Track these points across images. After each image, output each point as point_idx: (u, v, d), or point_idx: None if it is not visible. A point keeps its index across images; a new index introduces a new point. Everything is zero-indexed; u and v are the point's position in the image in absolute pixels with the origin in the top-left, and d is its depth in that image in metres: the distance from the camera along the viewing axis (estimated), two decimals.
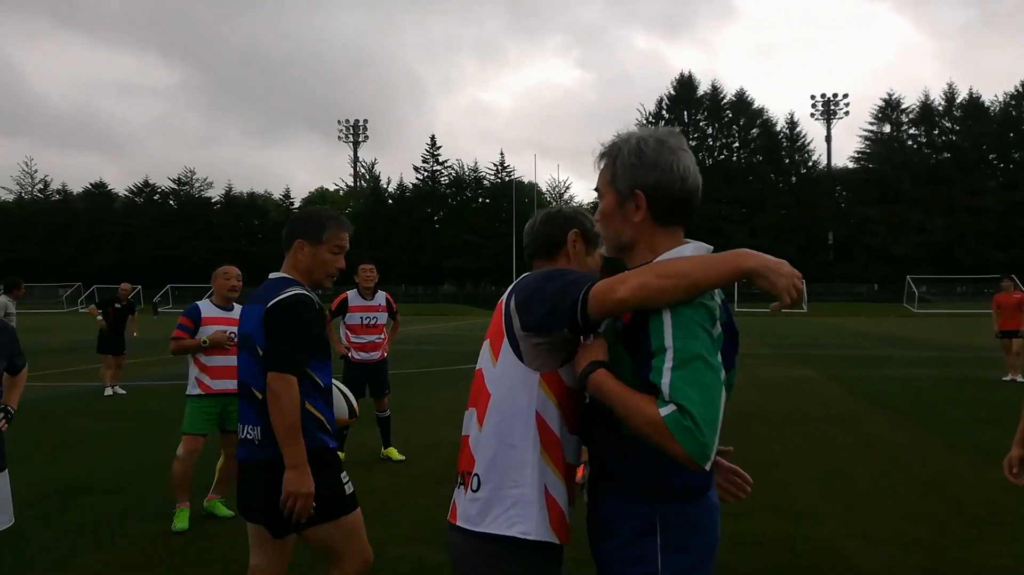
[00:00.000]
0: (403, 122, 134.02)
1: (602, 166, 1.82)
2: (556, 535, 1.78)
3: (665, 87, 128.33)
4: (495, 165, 74.27)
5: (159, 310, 51.40)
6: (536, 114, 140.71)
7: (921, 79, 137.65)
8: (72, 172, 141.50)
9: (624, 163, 1.74)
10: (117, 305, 12.20)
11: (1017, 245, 57.62)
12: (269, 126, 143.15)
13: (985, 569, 4.20)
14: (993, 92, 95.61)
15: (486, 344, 1.90)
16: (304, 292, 2.76)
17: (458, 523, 1.84)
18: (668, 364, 1.53)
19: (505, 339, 1.82)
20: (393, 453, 6.95)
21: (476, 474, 1.81)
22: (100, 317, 11.99)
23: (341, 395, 3.02)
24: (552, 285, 1.72)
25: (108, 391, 11.47)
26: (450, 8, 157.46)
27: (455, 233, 69.10)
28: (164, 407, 9.88)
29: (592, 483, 1.85)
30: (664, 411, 1.51)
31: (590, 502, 1.85)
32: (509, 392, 1.80)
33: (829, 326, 34.27)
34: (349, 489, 2.77)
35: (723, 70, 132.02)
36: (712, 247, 1.76)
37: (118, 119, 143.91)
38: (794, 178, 68.53)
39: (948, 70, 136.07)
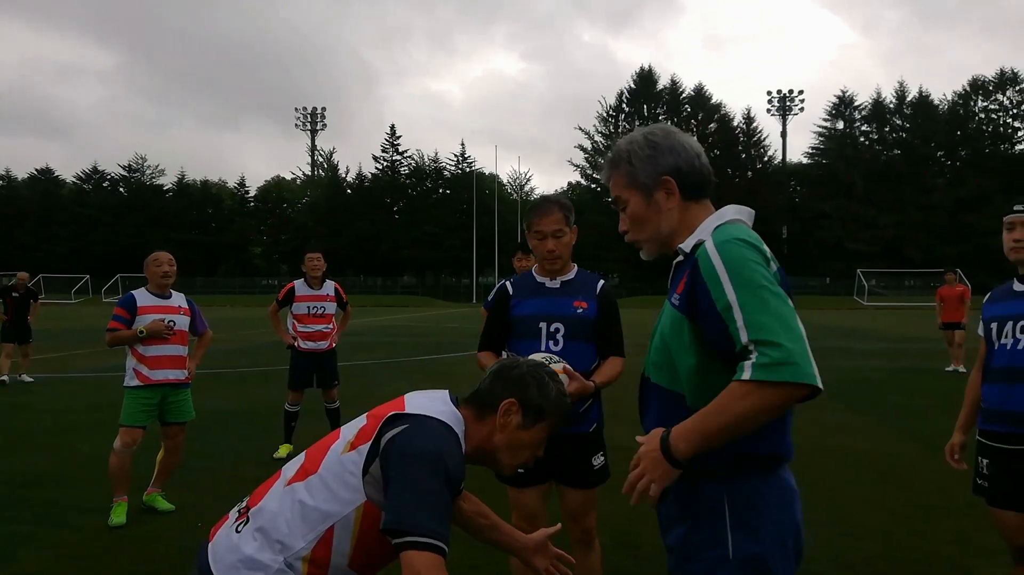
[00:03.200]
0: (362, 111, 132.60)
1: (614, 174, 1.83)
2: None
3: (614, 80, 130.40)
4: (455, 156, 74.03)
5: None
6: (493, 105, 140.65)
7: (873, 77, 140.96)
8: (12, 157, 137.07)
9: (640, 158, 1.78)
10: (15, 294, 11.95)
11: (964, 240, 59.42)
12: (223, 113, 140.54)
13: (934, 555, 4.25)
14: (942, 91, 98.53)
15: (360, 423, 1.86)
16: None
17: (209, 551, 1.82)
18: (736, 309, 1.52)
19: (367, 447, 1.77)
20: None
21: (249, 519, 1.81)
22: (1, 310, 11.74)
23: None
24: (427, 498, 1.68)
25: (4, 378, 11.26)
26: None
27: (415, 224, 68.64)
28: (109, 399, 9.56)
29: None
30: (745, 374, 1.47)
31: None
32: (330, 488, 1.76)
33: None
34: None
35: (680, 66, 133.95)
36: (752, 211, 1.81)
37: (61, 102, 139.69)
38: (750, 173, 69.58)
39: (899, 68, 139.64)
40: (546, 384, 1.94)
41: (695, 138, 1.84)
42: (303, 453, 1.91)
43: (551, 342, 2.98)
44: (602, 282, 3.15)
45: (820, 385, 1.46)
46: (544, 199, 3.13)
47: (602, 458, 3.07)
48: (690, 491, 1.66)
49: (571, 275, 3.10)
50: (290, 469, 1.86)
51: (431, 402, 1.89)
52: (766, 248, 1.65)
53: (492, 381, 1.94)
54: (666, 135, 1.80)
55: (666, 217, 1.78)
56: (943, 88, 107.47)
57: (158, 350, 4.91)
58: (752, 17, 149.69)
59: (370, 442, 1.77)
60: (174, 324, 4.99)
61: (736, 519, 1.60)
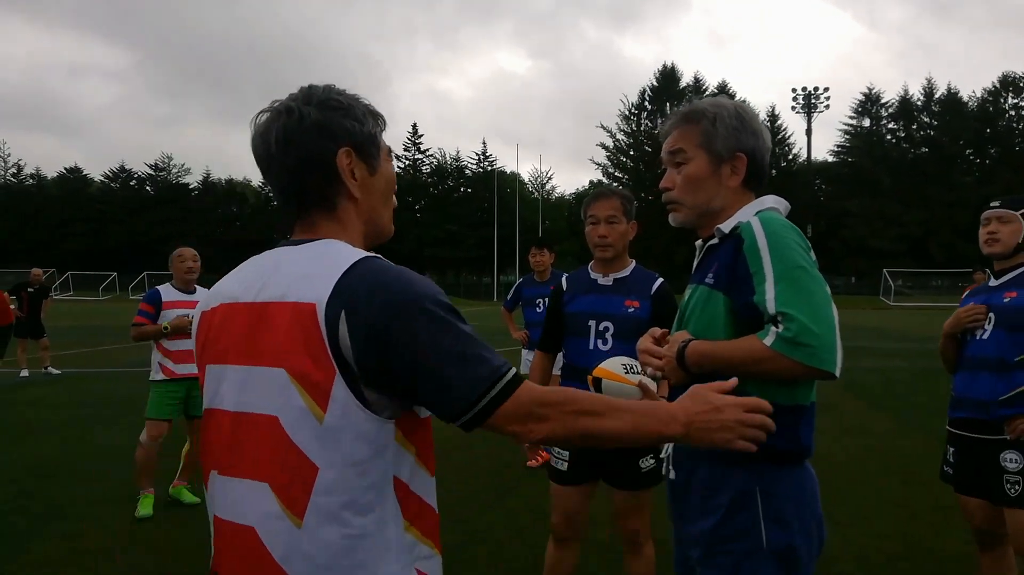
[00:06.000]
0: (385, 109, 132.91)
1: (688, 128, 1.77)
2: None
3: (624, 77, 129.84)
4: (477, 154, 74.13)
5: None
6: (503, 103, 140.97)
7: (900, 74, 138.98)
8: (34, 155, 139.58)
9: (726, 125, 1.74)
10: (30, 289, 12.31)
11: None
12: (248, 112, 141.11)
13: (953, 555, 4.21)
14: (971, 88, 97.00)
15: (279, 378, 1.16)
16: None
17: None
18: (769, 281, 1.55)
19: (338, 376, 1.13)
20: None
21: None
22: (14, 306, 12.05)
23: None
24: (444, 338, 1.14)
25: (24, 373, 11.51)
26: None
27: (437, 222, 68.82)
28: (133, 393, 9.72)
29: (682, 457, 1.78)
30: (768, 339, 1.51)
31: (679, 478, 1.77)
32: (352, 459, 1.14)
33: None
34: (559, 465, 3.01)
35: (691, 62, 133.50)
36: (789, 204, 1.80)
37: (79, 101, 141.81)
38: (774, 171, 68.84)
39: (927, 65, 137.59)
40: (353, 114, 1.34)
41: None
42: (244, 481, 1.20)
43: (600, 341, 2.89)
44: (660, 281, 2.98)
45: (837, 373, 1.50)
46: (604, 187, 3.09)
47: (652, 460, 2.94)
48: (719, 483, 1.66)
49: (626, 272, 3.00)
50: (254, 513, 1.18)
51: (319, 260, 1.21)
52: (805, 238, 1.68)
53: (295, 146, 1.26)
54: (754, 116, 1.79)
55: (722, 193, 1.75)
56: (972, 85, 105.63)
57: (183, 344, 4.99)
58: (761, 14, 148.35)
59: (336, 371, 1.14)
60: None
61: (768, 510, 1.61)
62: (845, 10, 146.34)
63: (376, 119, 1.34)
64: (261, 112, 1.30)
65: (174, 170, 75.69)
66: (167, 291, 5.12)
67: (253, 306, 1.22)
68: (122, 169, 74.79)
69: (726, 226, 1.71)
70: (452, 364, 1.13)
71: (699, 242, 1.83)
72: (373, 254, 1.24)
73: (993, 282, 3.11)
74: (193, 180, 76.05)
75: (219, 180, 76.32)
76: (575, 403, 1.21)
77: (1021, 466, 2.87)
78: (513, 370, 1.18)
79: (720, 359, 1.60)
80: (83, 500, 5.20)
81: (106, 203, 71.90)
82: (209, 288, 4.89)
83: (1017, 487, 2.86)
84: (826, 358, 1.49)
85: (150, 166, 75.37)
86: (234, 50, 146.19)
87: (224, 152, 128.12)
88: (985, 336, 2.98)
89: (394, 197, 1.40)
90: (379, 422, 1.16)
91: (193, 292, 5.18)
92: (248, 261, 1.34)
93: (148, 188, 74.80)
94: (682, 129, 1.77)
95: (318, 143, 1.25)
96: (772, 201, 1.77)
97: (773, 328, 1.52)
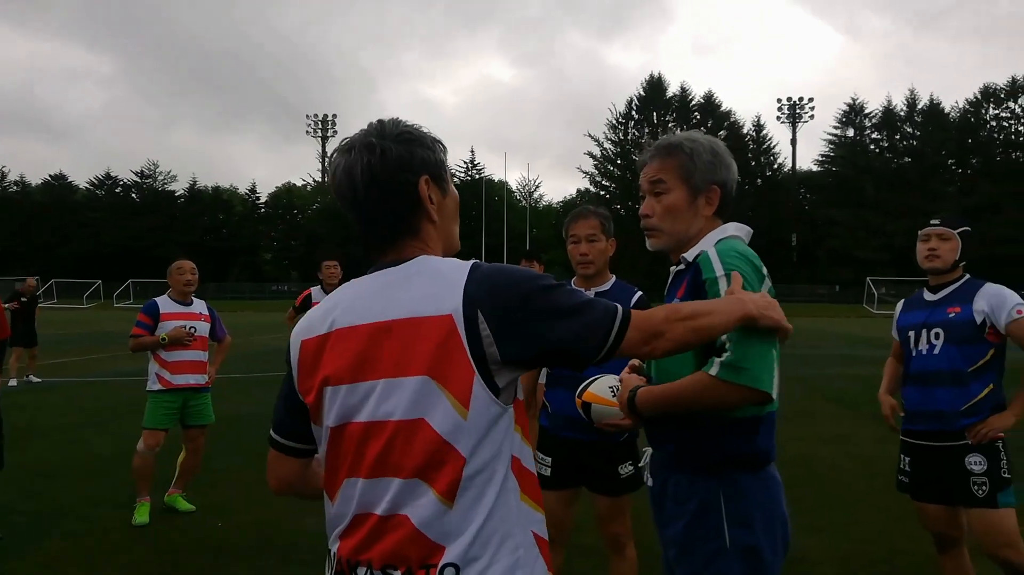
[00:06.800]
0: (359, 117, 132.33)
1: (668, 160, 1.88)
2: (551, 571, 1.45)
3: (611, 87, 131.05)
4: (465, 163, 74.21)
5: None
6: (489, 111, 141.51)
7: (884, 84, 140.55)
8: (18, 161, 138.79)
9: (703, 159, 1.86)
10: (23, 299, 12.40)
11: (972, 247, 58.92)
12: (233, 120, 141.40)
13: (934, 558, 4.31)
14: (954, 98, 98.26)
15: (425, 385, 1.29)
16: None
17: None
18: None
19: (477, 375, 1.29)
20: None
21: (452, 564, 1.28)
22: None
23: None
24: (560, 300, 1.33)
25: (13, 382, 11.49)
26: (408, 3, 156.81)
27: None
28: (131, 400, 9.74)
29: (657, 466, 1.91)
30: (713, 370, 1.61)
31: (655, 486, 1.91)
32: (490, 444, 1.31)
33: None
34: (543, 471, 3.09)
35: (674, 71, 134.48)
36: (751, 230, 1.92)
37: (66, 108, 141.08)
38: (759, 180, 69.43)
39: (910, 76, 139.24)
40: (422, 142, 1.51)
41: None
42: (404, 479, 1.31)
43: None
44: (639, 294, 3.09)
45: (773, 395, 1.62)
46: (583, 207, 3.21)
47: (631, 467, 3.07)
48: (687, 489, 1.80)
49: (606, 286, 3.11)
50: (407, 502, 1.31)
51: (433, 277, 1.36)
52: (761, 264, 1.79)
53: (386, 184, 1.40)
54: (725, 150, 1.91)
55: (696, 222, 1.88)
56: (954, 95, 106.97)
57: (180, 355, 5.06)
58: (747, 26, 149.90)
59: (474, 370, 1.29)
60: (195, 330, 5.15)
61: (731, 513, 1.74)
62: (830, 21, 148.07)
63: (441, 145, 1.49)
64: (339, 151, 1.43)
65: (160, 177, 75.31)
66: (164, 303, 5.18)
67: (377, 326, 1.35)
68: (107, 176, 74.33)
69: (690, 254, 1.84)
70: (577, 316, 1.32)
71: (673, 267, 1.96)
72: (473, 260, 1.41)
73: (929, 295, 3.24)
74: (179, 187, 75.72)
75: (205, 188, 75.98)
76: (677, 313, 1.43)
77: (985, 467, 2.99)
78: (620, 305, 1.39)
79: (669, 398, 1.72)
80: (83, 501, 5.26)
81: (91, 210, 71.39)
82: (205, 299, 4.86)
83: (984, 488, 2.99)
84: (764, 379, 1.59)
85: (136, 173, 74.99)
86: (221, 57, 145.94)
87: (210, 159, 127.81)
88: (936, 351, 3.10)
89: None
90: (504, 409, 1.33)
91: (190, 304, 5.25)
92: (346, 289, 1.47)
93: (134, 195, 74.35)
94: (663, 161, 1.90)
95: (402, 175, 1.39)
96: (733, 228, 1.89)
97: (716, 359, 1.61)
